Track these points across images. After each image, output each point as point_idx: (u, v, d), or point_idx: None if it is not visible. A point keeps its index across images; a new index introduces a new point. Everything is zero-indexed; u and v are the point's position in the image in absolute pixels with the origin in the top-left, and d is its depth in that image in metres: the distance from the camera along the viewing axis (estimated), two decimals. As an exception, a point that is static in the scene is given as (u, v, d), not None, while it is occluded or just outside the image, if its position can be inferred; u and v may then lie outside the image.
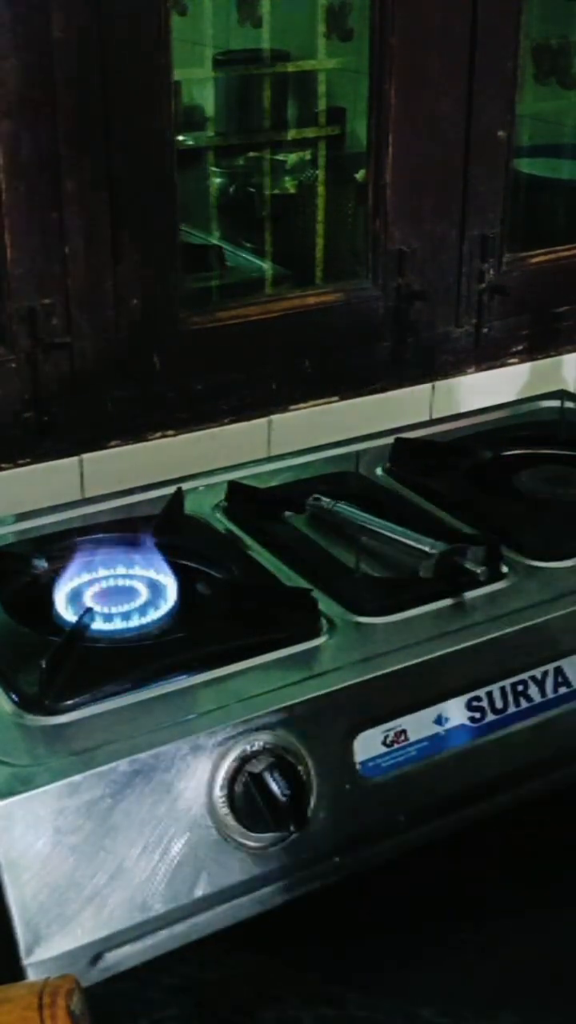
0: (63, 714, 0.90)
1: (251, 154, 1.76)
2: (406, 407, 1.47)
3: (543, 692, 1.01)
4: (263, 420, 1.40)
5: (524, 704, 1.00)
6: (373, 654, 0.97)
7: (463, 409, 1.47)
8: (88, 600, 1.03)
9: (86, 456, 1.30)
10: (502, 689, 0.99)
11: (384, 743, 0.94)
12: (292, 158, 1.73)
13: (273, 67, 1.69)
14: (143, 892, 0.85)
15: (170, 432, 1.35)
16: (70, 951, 0.83)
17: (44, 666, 0.91)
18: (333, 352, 1.43)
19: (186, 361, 1.33)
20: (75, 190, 1.20)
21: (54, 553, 1.11)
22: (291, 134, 1.75)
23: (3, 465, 1.26)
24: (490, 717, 0.98)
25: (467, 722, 0.97)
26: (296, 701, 0.91)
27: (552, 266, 1.56)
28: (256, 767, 0.87)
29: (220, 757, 0.88)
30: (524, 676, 1.00)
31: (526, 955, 0.95)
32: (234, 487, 1.22)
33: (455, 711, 0.97)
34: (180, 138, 1.40)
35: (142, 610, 1.01)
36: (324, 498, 1.18)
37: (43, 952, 0.82)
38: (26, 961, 0.82)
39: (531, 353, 1.57)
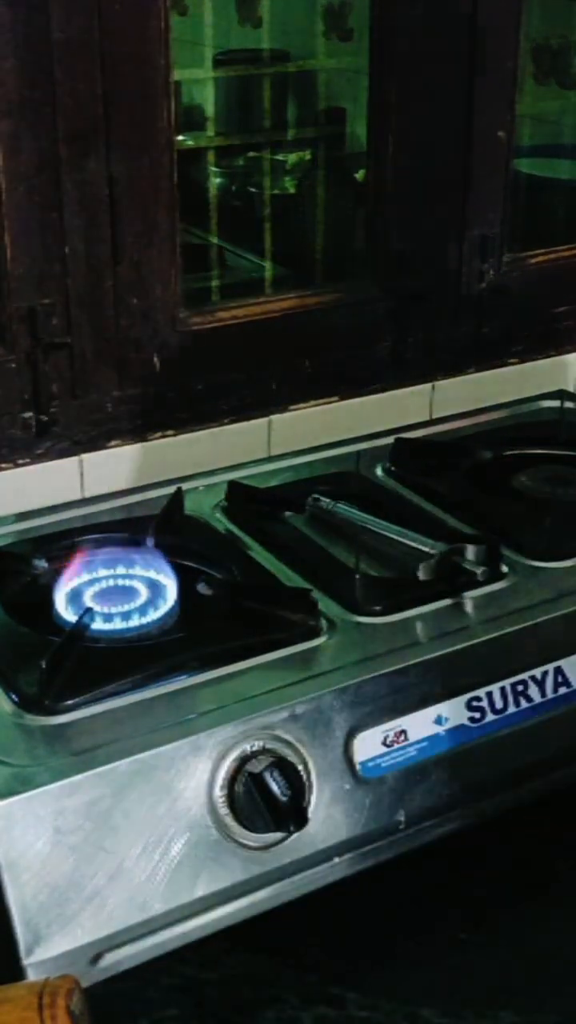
0: (63, 714, 0.90)
1: (251, 154, 1.76)
2: (406, 407, 1.47)
3: (543, 692, 1.01)
4: (263, 420, 1.40)
5: (524, 704, 1.00)
6: (373, 654, 0.97)
7: (463, 409, 1.46)
8: (88, 600, 1.03)
9: (86, 456, 1.30)
10: (502, 689, 0.99)
11: (384, 743, 0.94)
12: (292, 158, 1.73)
13: (273, 67, 1.69)
14: (143, 892, 0.85)
15: (170, 432, 1.35)
16: (70, 951, 0.83)
17: (44, 666, 0.91)
18: (333, 352, 1.43)
19: (186, 361, 1.33)
20: (75, 190, 1.20)
21: (54, 553, 1.11)
22: (291, 134, 1.75)
23: (3, 465, 1.26)
24: (490, 717, 0.98)
25: (467, 722, 0.97)
26: (296, 701, 0.91)
27: (552, 266, 1.56)
28: (256, 767, 0.88)
29: (220, 757, 0.88)
30: (524, 676, 1.00)
31: (526, 955, 0.96)
32: (234, 487, 1.22)
33: (455, 711, 0.97)
34: (180, 138, 1.40)
35: (142, 610, 1.02)
36: (324, 498, 1.18)
37: (43, 952, 0.82)
38: (26, 961, 0.82)
39: (531, 353, 1.57)
